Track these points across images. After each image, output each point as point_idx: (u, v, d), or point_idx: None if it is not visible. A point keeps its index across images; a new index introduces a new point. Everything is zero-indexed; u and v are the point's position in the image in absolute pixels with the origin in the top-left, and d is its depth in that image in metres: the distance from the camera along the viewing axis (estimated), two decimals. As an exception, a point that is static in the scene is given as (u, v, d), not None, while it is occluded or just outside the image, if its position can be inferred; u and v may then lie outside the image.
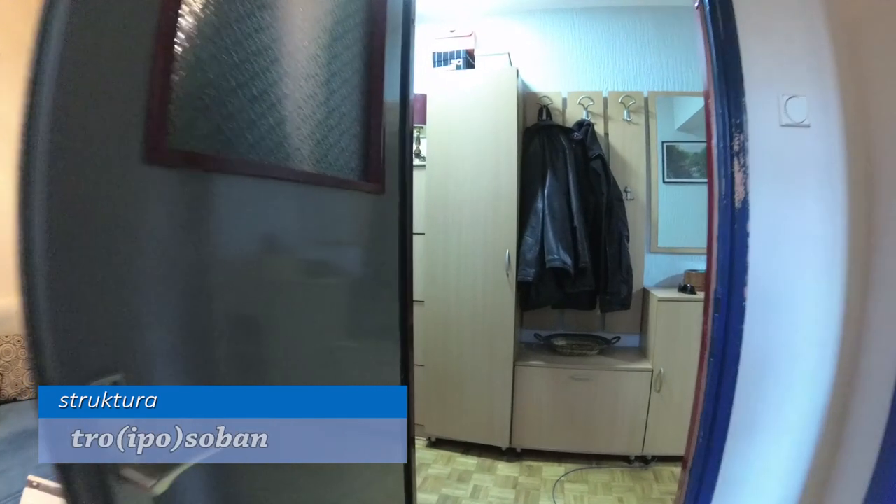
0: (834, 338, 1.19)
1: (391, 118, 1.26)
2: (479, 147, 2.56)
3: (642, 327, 2.82)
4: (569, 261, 2.42)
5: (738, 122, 1.16)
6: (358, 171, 1.16)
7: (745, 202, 1.16)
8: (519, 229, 2.55)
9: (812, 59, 1.20)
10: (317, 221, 1.03)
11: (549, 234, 2.46)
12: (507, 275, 2.52)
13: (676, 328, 2.49)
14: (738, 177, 1.15)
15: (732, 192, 1.16)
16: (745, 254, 1.15)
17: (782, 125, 1.19)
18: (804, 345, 1.20)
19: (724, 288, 1.15)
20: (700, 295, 2.56)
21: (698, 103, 2.87)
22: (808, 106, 1.18)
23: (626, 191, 2.76)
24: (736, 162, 1.16)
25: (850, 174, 1.17)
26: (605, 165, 2.60)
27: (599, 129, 2.83)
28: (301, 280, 1.02)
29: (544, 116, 2.84)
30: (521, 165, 2.63)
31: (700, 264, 2.85)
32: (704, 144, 2.89)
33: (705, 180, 2.84)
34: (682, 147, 2.84)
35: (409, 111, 1.35)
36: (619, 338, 2.79)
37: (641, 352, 2.77)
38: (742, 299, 1.16)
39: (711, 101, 1.22)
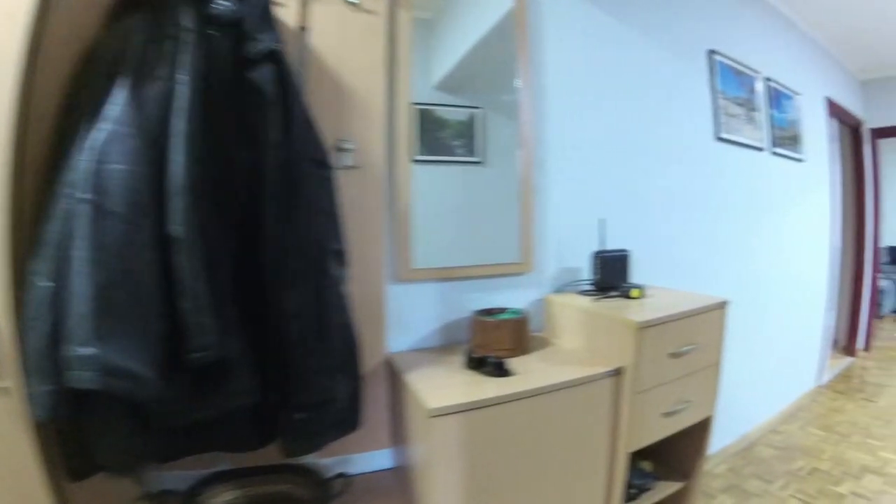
0: None
1: None
2: None
3: (397, 431, 1.37)
4: (138, 367, 0.77)
5: None
6: None
7: None
8: (16, 246, 0.80)
9: None
10: None
11: (82, 270, 0.76)
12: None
13: (483, 452, 1.10)
14: None
15: None
16: None
17: None
18: None
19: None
20: (532, 385, 1.19)
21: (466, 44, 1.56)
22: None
23: (340, 148, 1.23)
24: None
25: None
26: (283, 77, 1.01)
27: (288, 17, 1.24)
28: None
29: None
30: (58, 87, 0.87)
31: (498, 297, 1.54)
32: (472, 111, 1.57)
33: (474, 159, 1.49)
34: (441, 113, 1.48)
35: None
36: (343, 476, 1.28)
37: (402, 489, 1.32)
38: None
39: None
